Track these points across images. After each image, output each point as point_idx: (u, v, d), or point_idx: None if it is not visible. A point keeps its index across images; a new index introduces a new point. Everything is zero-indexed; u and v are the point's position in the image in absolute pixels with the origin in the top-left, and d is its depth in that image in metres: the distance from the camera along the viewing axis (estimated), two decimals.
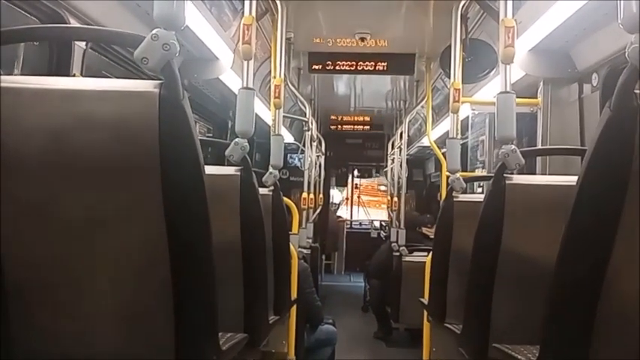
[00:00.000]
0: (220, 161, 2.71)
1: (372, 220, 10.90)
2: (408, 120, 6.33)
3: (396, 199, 6.58)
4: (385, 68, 5.15)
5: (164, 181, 1.13)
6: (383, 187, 6.76)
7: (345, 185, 11.41)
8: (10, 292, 1.22)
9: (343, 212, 11.34)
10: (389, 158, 7.95)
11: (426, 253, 4.05)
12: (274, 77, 3.03)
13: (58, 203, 1.18)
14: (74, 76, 2.23)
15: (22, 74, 2.09)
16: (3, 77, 1.20)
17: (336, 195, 11.39)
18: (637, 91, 1.05)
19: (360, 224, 11.14)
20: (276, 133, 2.81)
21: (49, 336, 1.25)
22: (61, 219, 1.19)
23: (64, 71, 2.21)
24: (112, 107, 1.14)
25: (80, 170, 1.17)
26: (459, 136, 2.86)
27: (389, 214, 7.25)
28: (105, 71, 2.76)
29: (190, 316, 1.21)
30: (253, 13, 2.15)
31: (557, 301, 1.19)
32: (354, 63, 5.08)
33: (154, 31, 1.13)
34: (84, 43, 2.27)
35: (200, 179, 1.16)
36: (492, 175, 1.87)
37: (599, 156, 1.07)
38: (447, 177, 2.78)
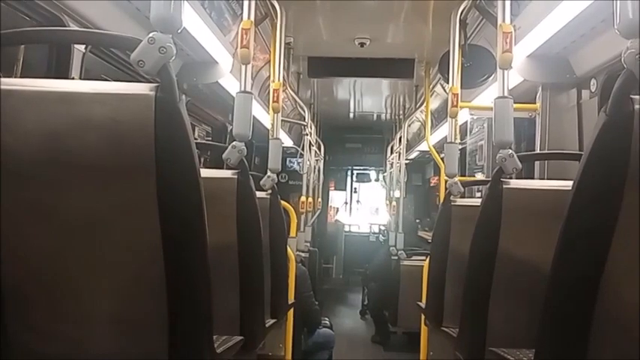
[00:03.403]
0: (219, 165, 2.71)
1: (371, 224, 10.89)
2: (407, 124, 6.34)
3: (394, 203, 6.58)
4: (384, 73, 5.17)
5: (159, 183, 1.13)
6: None
7: (344, 189, 11.41)
8: (7, 293, 1.22)
9: (341, 216, 11.33)
10: (388, 162, 7.96)
11: (424, 257, 4.06)
12: (273, 81, 3.04)
13: (53, 205, 1.19)
14: (73, 79, 2.23)
15: (22, 77, 2.09)
16: (2, 80, 1.20)
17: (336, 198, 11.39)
18: (633, 96, 1.05)
19: (359, 227, 11.13)
20: (275, 137, 2.82)
21: (44, 337, 1.25)
22: (57, 221, 1.19)
23: (64, 75, 2.21)
24: (108, 109, 1.14)
25: (76, 172, 1.17)
26: (458, 141, 2.87)
27: (388, 217, 7.26)
28: (104, 75, 2.76)
29: (184, 318, 1.21)
30: (252, 18, 2.16)
31: (553, 305, 1.19)
32: (353, 68, 5.10)
33: (150, 34, 1.13)
34: (83, 46, 2.28)
35: (196, 181, 1.16)
36: (490, 179, 1.87)
37: (594, 160, 1.07)
38: (446, 181, 2.78)
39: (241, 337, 1.71)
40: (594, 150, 1.07)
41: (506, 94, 1.94)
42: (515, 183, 1.82)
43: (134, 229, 1.18)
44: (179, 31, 1.18)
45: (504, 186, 1.78)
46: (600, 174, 1.07)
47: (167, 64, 1.12)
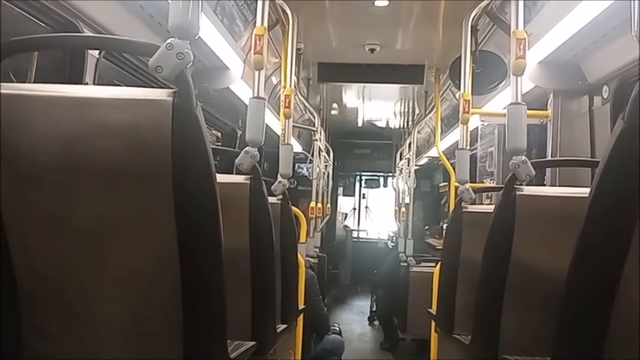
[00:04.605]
0: (229, 170, 2.72)
1: (379, 231, 10.88)
2: (416, 131, 6.34)
3: (403, 209, 6.57)
4: (394, 79, 5.18)
5: (176, 189, 1.14)
6: None
7: (353, 195, 11.40)
8: (22, 297, 1.23)
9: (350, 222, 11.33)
10: (397, 169, 7.95)
11: (433, 264, 4.04)
12: (284, 87, 3.05)
13: (70, 210, 1.19)
14: (87, 84, 2.25)
15: (35, 83, 2.11)
16: (17, 85, 1.21)
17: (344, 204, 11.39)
18: None
19: (367, 233, 11.12)
20: (286, 142, 2.82)
21: (58, 341, 1.26)
22: (73, 226, 1.20)
23: (77, 80, 2.23)
24: (125, 115, 1.15)
25: (93, 177, 1.18)
26: (469, 147, 2.86)
27: (396, 224, 7.25)
28: (117, 80, 2.78)
29: (199, 323, 1.21)
30: (265, 24, 2.17)
31: (569, 314, 1.18)
32: (363, 74, 5.11)
33: (168, 41, 1.14)
34: (97, 52, 2.29)
35: (212, 187, 1.17)
36: (502, 186, 1.86)
37: (612, 168, 1.06)
38: (456, 188, 2.77)
39: (254, 343, 1.71)
40: (612, 157, 1.06)
41: (519, 100, 1.93)
42: (529, 190, 1.81)
43: (150, 234, 1.19)
44: (196, 37, 1.19)
45: (518, 193, 1.77)
46: (618, 181, 1.06)
47: (185, 70, 1.13)
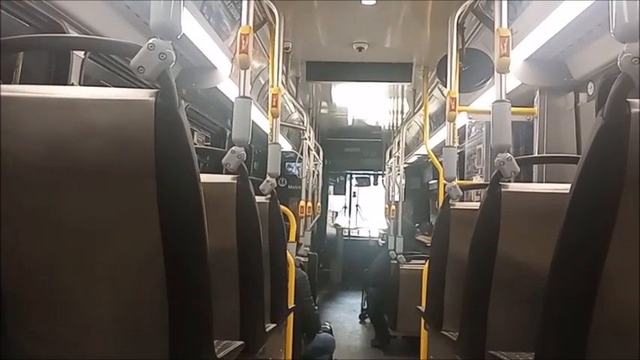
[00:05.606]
0: (218, 170, 2.72)
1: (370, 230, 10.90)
2: (405, 128, 6.35)
3: (393, 207, 6.59)
4: (382, 78, 5.19)
5: (160, 189, 1.14)
6: None
7: (343, 194, 11.42)
8: (7, 298, 1.23)
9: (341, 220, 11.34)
10: (387, 166, 7.97)
11: (423, 261, 4.06)
12: (272, 86, 3.05)
13: (54, 210, 1.19)
14: (72, 85, 2.24)
15: (21, 83, 2.10)
16: (3, 86, 1.21)
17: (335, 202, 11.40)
18: (629, 100, 1.06)
19: (358, 232, 11.14)
20: (274, 141, 2.82)
21: (44, 342, 1.26)
22: (58, 226, 1.20)
23: (63, 80, 2.22)
24: (108, 115, 1.14)
25: (76, 178, 1.17)
26: (456, 145, 2.88)
27: (386, 222, 7.27)
28: (103, 80, 2.77)
29: (185, 323, 1.21)
30: (250, 23, 2.17)
31: (553, 308, 1.19)
32: (351, 72, 5.11)
33: (150, 41, 1.14)
34: (82, 52, 2.28)
35: (196, 187, 1.17)
36: (488, 183, 1.88)
37: (591, 164, 1.08)
38: (444, 185, 2.79)
39: (242, 342, 1.71)
40: (591, 154, 1.08)
41: (503, 97, 1.95)
42: (514, 186, 1.82)
43: (134, 234, 1.19)
44: (178, 37, 1.18)
45: (503, 189, 1.79)
46: (597, 177, 1.07)
47: (167, 70, 1.13)
